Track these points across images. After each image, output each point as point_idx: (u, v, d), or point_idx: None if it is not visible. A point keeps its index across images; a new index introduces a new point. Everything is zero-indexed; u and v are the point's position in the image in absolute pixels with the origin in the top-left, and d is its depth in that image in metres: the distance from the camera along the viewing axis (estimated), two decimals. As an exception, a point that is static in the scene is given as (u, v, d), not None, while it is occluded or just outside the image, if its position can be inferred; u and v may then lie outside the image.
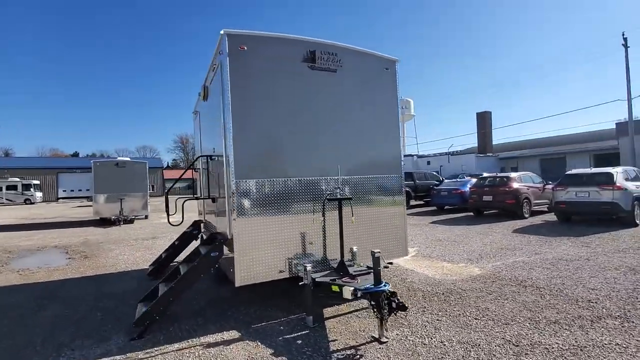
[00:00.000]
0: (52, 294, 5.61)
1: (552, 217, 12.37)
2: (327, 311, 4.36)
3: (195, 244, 6.67)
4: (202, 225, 6.61)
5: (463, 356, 3.17)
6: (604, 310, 4.12)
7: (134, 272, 6.87)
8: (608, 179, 9.99)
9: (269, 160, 4.22)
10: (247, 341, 3.61)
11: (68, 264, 7.89)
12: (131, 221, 16.70)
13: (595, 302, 4.38)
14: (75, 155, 76.96)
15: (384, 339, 3.49)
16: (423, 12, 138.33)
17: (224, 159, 4.14)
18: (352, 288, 3.63)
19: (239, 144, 3.99)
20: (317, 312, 4.31)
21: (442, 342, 3.45)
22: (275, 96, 4.26)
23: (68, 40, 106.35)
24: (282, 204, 4.23)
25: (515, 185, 12.60)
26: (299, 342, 3.56)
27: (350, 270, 4.22)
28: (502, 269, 6.06)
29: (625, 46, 26.93)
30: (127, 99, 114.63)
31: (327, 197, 4.40)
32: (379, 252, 3.59)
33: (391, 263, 6.02)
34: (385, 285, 3.52)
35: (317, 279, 4.01)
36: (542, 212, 13.73)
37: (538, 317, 3.99)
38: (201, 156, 4.99)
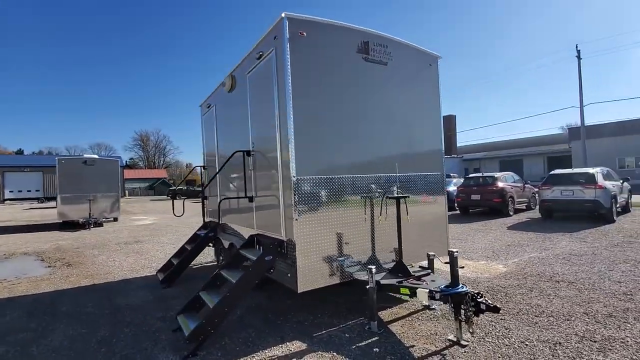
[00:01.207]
0: (52, 309, 4.88)
1: (533, 214, 13.08)
2: (382, 315, 4.15)
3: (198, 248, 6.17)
4: (217, 227, 6.11)
5: (552, 355, 3.12)
6: (646, 303, 4.30)
7: (137, 280, 6.20)
8: (590, 179, 10.71)
9: (327, 156, 3.93)
10: (320, 352, 3.31)
11: (51, 272, 6.98)
12: (100, 224, 15.37)
13: (632, 295, 4.57)
14: (20, 152, 69.90)
15: (464, 342, 3.36)
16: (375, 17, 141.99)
17: (278, 154, 3.80)
18: (427, 290, 3.46)
19: (301, 139, 3.67)
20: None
21: (522, 342, 3.38)
22: (333, 89, 3.98)
23: (11, 30, 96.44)
24: (340, 202, 3.96)
25: (501, 184, 13.17)
26: (376, 349, 3.32)
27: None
28: (523, 265, 6.21)
29: (579, 57, 29.30)
30: (74, 93, 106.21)
31: (387, 195, 4.19)
32: (456, 251, 3.46)
33: (462, 267, 5.96)
34: (463, 287, 3.39)
35: (382, 282, 3.79)
36: (522, 210, 14.49)
37: (592, 312, 4.07)
38: (238, 152, 4.56)
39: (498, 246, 7.94)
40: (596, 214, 10.63)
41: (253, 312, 4.42)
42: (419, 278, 3.88)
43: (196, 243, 6.07)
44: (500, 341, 3.41)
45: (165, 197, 49.55)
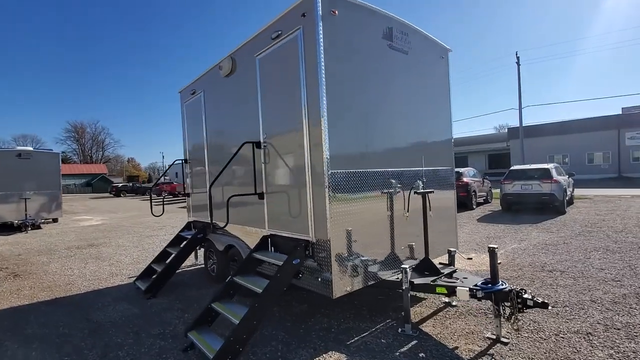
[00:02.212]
0: (13, 331, 4.00)
1: (493, 207, 13.95)
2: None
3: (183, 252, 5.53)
4: (207, 228, 5.51)
5: (591, 346, 3.17)
6: (634, 287, 4.64)
7: (110, 291, 5.38)
8: (546, 174, 11.64)
9: (358, 148, 3.63)
10: (364, 362, 3.04)
11: (-6, 286, 5.82)
12: (38, 226, 13.46)
13: (620, 280, 4.92)
14: None
15: (504, 340, 3.30)
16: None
17: (306, 146, 3.41)
18: (467, 289, 3.35)
19: (334, 130, 3.32)
20: (399, 316, 3.92)
21: (557, 334, 3.41)
22: (361, 76, 3.67)
23: None
24: (369, 198, 3.68)
25: (465, 179, 13.82)
26: (422, 355, 3.13)
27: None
28: (512, 256, 6.46)
29: (518, 64, 31.93)
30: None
31: (414, 190, 4.00)
32: (496, 247, 3.37)
33: (470, 258, 5.92)
34: (503, 283, 3.33)
35: (416, 282, 3.60)
36: (481, 204, 15.40)
37: (597, 299, 4.28)
38: (247, 143, 4.06)
39: (478, 239, 8.25)
40: (551, 206, 11.58)
41: (266, 321, 3.99)
42: (450, 275, 3.76)
43: (183, 246, 5.41)
44: (536, 335, 3.41)
45: (107, 194, 45.32)
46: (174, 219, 14.63)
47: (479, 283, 3.47)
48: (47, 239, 10.74)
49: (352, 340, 3.43)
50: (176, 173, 68.40)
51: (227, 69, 4.65)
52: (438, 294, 3.59)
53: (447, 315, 3.95)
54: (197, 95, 5.64)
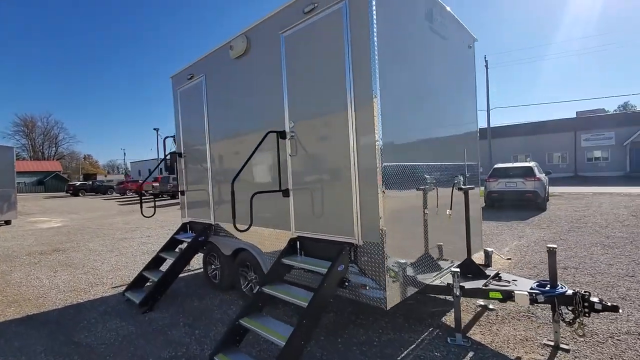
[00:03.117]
0: (-24, 362, 3.22)
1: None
2: (444, 321, 3.67)
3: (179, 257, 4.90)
4: (209, 230, 4.89)
5: (653, 349, 3.01)
6: (657, 283, 4.65)
7: (94, 305, 4.63)
8: (529, 172, 11.94)
9: (407, 139, 3.25)
10: (428, 382, 2.66)
11: (-57, 303, 4.84)
12: (-12, 229, 11.91)
13: (633, 275, 4.93)
14: None
15: (564, 346, 3.06)
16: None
17: (352, 136, 2.97)
18: (526, 293, 3.07)
19: (387, 119, 2.91)
20: (439, 323, 3.60)
21: (611, 337, 3.23)
22: (406, 56, 3.29)
23: None
24: (417, 195, 3.32)
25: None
26: (486, 368, 2.81)
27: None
28: (520, 254, 6.40)
29: (487, 67, 33.20)
30: None
31: (457, 186, 3.69)
32: (555, 247, 3.13)
33: (510, 258, 5.68)
34: (563, 286, 3.09)
35: (467, 287, 3.28)
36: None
37: (626, 296, 4.20)
38: (272, 132, 3.53)
39: (478, 236, 8.19)
40: (533, 203, 11.91)
41: (293, 334, 3.51)
42: (498, 278, 3.49)
43: (182, 251, 4.75)
44: (591, 339, 3.21)
45: (64, 193, 41.87)
46: (146, 220, 13.55)
47: (534, 285, 3.22)
48: (2, 244, 9.43)
49: (402, 355, 3.04)
50: (139, 171, 64.70)
51: (239, 50, 4.08)
52: (492, 299, 3.30)
53: (489, 320, 3.68)
54: (196, 80, 4.99)
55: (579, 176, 33.25)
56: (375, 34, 2.82)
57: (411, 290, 3.16)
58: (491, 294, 3.25)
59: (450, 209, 3.67)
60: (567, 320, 3.02)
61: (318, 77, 3.26)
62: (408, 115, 3.26)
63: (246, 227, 3.40)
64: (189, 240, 4.89)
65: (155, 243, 8.76)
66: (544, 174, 13.33)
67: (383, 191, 2.82)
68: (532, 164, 12.56)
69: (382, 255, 2.85)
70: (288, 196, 3.62)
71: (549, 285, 3.17)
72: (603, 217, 10.09)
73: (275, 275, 3.31)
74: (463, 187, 3.72)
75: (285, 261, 3.34)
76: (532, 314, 3.76)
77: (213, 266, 5.00)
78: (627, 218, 9.75)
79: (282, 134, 3.60)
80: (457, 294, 3.16)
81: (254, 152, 3.45)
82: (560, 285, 3.09)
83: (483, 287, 3.29)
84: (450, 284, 3.30)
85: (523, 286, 3.26)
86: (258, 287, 3.23)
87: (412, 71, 3.35)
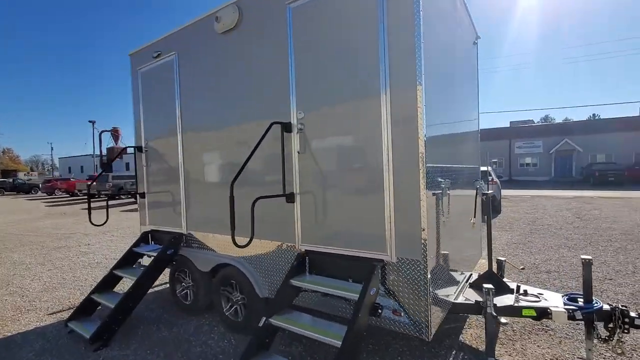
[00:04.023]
0: None
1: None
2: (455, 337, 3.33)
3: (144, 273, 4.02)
4: (179, 241, 4.05)
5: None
6: (633, 284, 4.79)
7: (26, 338, 3.56)
8: (486, 176, 12.44)
9: (442, 137, 2.81)
10: None
11: None
12: None
13: (611, 278, 5.08)
14: None
15: (599, 365, 2.85)
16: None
17: (385, 131, 2.46)
18: (564, 310, 2.81)
19: (430, 110, 2.44)
20: (460, 344, 3.24)
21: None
22: (439, 40, 2.85)
23: None
24: (449, 202, 2.90)
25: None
26: (535, 401, 2.47)
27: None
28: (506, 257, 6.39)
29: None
30: None
31: (480, 191, 3.35)
32: (590, 259, 2.91)
33: (523, 268, 5.41)
34: (597, 301, 2.88)
35: (498, 305, 2.93)
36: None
37: (621, 302, 4.24)
38: (275, 123, 2.87)
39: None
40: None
41: (299, 369, 2.90)
42: (524, 292, 3.20)
43: (146, 268, 3.85)
44: (634, 354, 3.06)
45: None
46: (82, 223, 11.79)
47: (565, 300, 2.99)
48: None
49: (438, 389, 2.60)
50: (69, 168, 57.71)
51: (229, 22, 3.36)
52: (524, 317, 2.99)
53: (509, 337, 3.40)
54: (165, 58, 4.12)
55: (513, 180, 36.34)
56: (420, 13, 2.34)
57: (444, 312, 2.74)
58: (524, 312, 2.94)
59: (475, 217, 3.33)
60: (603, 337, 2.81)
61: (338, 58, 2.70)
62: (441, 107, 2.83)
63: (246, 241, 2.70)
64: (153, 253, 4.00)
65: (98, 253, 7.45)
66: (497, 178, 14.05)
67: (428, 199, 2.35)
68: (488, 167, 13.14)
69: (423, 274, 2.37)
70: (293, 202, 3.00)
71: (580, 300, 2.95)
72: (553, 219, 10.78)
73: (283, 302, 2.67)
74: (486, 192, 3.40)
75: (295, 283, 2.72)
76: (547, 327, 3.56)
77: (184, 284, 4.16)
78: (574, 220, 10.51)
79: (287, 127, 2.97)
80: (492, 313, 2.81)
81: (256, 147, 2.77)
82: (594, 300, 2.88)
83: (516, 305, 2.98)
84: (479, 301, 2.94)
85: (554, 301, 3.00)
86: (264, 318, 2.56)
87: (444, 57, 2.94)
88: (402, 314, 2.47)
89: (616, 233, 8.35)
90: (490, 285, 2.85)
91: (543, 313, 2.89)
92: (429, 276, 2.37)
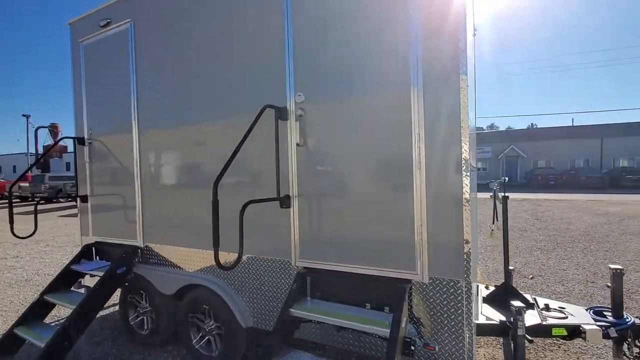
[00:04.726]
0: None
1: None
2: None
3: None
4: (133, 256, 3.24)
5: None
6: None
7: None
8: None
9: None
10: None
11: None
12: None
13: (593, 281, 5.08)
14: None
15: (630, 386, 2.58)
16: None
17: (415, 118, 1.97)
18: (598, 328, 2.49)
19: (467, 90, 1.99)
20: (478, 370, 2.83)
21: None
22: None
23: None
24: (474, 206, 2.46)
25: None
26: None
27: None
28: (481, 263, 6.25)
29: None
30: None
31: (498, 193, 2.97)
32: (622, 269, 2.63)
33: (532, 277, 5.05)
34: (628, 316, 2.62)
35: (527, 325, 2.55)
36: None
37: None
38: (268, 107, 2.25)
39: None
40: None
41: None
42: (548, 308, 2.87)
43: (90, 292, 2.99)
44: None
45: None
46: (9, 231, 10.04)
47: (591, 314, 2.69)
48: None
49: None
50: (-2, 167, 50.91)
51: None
52: (554, 336, 2.65)
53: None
54: (117, 28, 3.30)
55: (466, 183, 38.23)
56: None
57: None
58: (554, 331, 2.59)
59: (494, 223, 2.95)
60: (634, 354, 2.54)
61: (353, 30, 2.15)
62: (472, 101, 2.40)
63: (234, 259, 2.04)
64: (99, 273, 3.16)
65: (29, 268, 6.17)
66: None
67: (466, 207, 1.88)
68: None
69: (465, 297, 1.90)
70: (289, 206, 2.39)
71: (606, 313, 2.68)
72: (515, 220, 11.11)
73: (282, 338, 2.05)
74: (502, 195, 3.05)
75: (296, 312, 2.11)
76: (561, 343, 3.28)
77: (139, 309, 3.34)
78: (534, 222, 10.92)
79: (282, 113, 2.36)
80: (525, 335, 2.41)
81: (245, 139, 2.13)
82: (625, 315, 2.61)
83: (544, 323, 2.62)
84: (504, 321, 2.55)
85: (580, 317, 2.70)
86: (262, 353, 1.92)
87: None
88: (436, 348, 1.97)
89: (576, 234, 8.69)
90: (520, 303, 2.46)
91: (575, 332, 2.55)
92: (472, 301, 1.89)
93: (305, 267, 2.34)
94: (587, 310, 2.79)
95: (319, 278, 2.29)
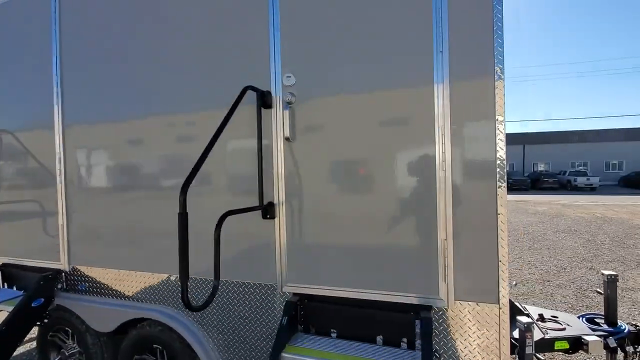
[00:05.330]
0: None
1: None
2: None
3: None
4: (54, 282, 2.47)
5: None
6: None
7: None
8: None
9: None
10: None
11: None
12: None
13: (549, 271, 5.30)
14: None
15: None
16: None
17: (439, 116, 1.62)
18: (599, 339, 2.38)
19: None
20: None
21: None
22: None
23: None
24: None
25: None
26: None
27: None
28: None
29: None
30: None
31: None
32: (616, 275, 2.57)
33: (516, 284, 4.84)
34: (621, 324, 2.57)
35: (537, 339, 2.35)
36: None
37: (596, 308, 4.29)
38: (249, 89, 1.73)
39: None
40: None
41: None
42: (543, 318, 2.72)
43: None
44: None
45: None
46: None
47: (584, 322, 2.61)
48: None
49: None
50: None
51: None
52: (556, 351, 2.48)
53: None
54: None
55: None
56: None
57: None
58: (557, 345, 2.43)
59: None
60: (629, 362, 2.48)
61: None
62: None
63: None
64: (6, 307, 2.35)
65: None
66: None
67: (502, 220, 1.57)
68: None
69: (503, 327, 1.59)
70: (273, 217, 1.90)
71: (599, 320, 2.61)
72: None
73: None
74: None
75: (291, 358, 1.62)
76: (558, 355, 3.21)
77: (64, 352, 2.55)
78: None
79: (265, 99, 1.86)
80: (534, 354, 2.20)
81: (220, 130, 1.60)
82: (619, 323, 2.55)
83: (547, 337, 2.45)
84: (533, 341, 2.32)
85: (576, 326, 2.59)
86: None
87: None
88: (464, 390, 1.63)
89: (517, 233, 9.27)
90: (528, 319, 2.24)
91: (577, 344, 2.42)
92: (504, 330, 1.59)
93: (295, 294, 1.87)
94: (579, 318, 2.70)
95: (315, 307, 1.83)
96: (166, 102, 2.16)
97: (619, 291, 2.71)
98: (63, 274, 2.49)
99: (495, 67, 1.56)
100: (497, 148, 1.57)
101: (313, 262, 1.85)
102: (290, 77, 1.85)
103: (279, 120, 1.86)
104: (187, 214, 1.36)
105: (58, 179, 2.47)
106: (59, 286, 2.48)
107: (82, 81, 2.41)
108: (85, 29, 2.39)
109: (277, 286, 1.91)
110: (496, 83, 1.56)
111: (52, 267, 2.51)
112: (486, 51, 1.57)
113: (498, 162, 1.57)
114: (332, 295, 1.81)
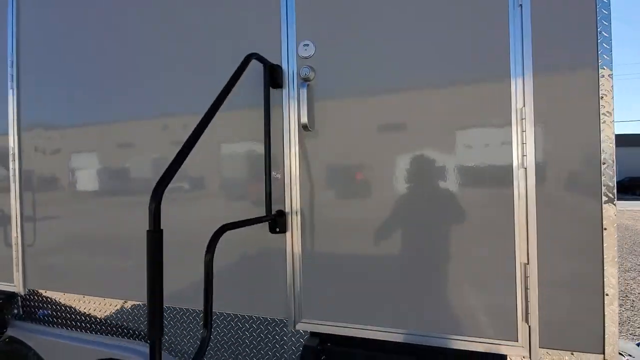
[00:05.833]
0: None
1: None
2: None
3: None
4: (10, 310, 1.99)
5: None
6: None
7: None
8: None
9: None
10: None
11: None
12: None
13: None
14: None
15: None
16: None
17: (517, 119, 1.18)
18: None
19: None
20: None
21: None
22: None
23: None
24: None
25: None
26: None
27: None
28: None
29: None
30: None
31: None
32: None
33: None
34: None
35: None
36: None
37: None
38: (254, 56, 1.29)
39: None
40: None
41: None
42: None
43: None
44: None
45: None
46: None
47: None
48: None
49: None
50: None
51: None
52: None
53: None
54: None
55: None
56: None
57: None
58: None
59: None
60: None
61: None
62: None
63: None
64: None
65: None
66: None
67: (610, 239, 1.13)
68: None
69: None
70: (284, 231, 1.44)
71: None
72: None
73: None
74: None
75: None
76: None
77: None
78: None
79: (274, 75, 1.41)
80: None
81: (210, 115, 1.14)
82: None
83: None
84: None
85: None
86: None
87: None
88: None
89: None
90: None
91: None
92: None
93: (314, 333, 1.41)
94: (638, 345, 2.27)
95: (339, 353, 1.37)
96: (146, 79, 1.69)
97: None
98: (18, 298, 2.01)
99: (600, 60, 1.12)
100: (601, 154, 1.13)
101: (338, 291, 1.39)
102: (308, 45, 1.39)
103: (292, 103, 1.40)
104: (161, 231, 0.90)
105: (11, 180, 1.98)
106: (12, 314, 1.99)
107: (46, 65, 1.94)
108: (46, 23, 1.92)
109: (289, 322, 1.45)
110: (602, 84, 1.12)
111: (4, 289, 2.02)
112: (589, 53, 1.13)
113: (602, 161, 1.13)
114: (364, 336, 1.35)
